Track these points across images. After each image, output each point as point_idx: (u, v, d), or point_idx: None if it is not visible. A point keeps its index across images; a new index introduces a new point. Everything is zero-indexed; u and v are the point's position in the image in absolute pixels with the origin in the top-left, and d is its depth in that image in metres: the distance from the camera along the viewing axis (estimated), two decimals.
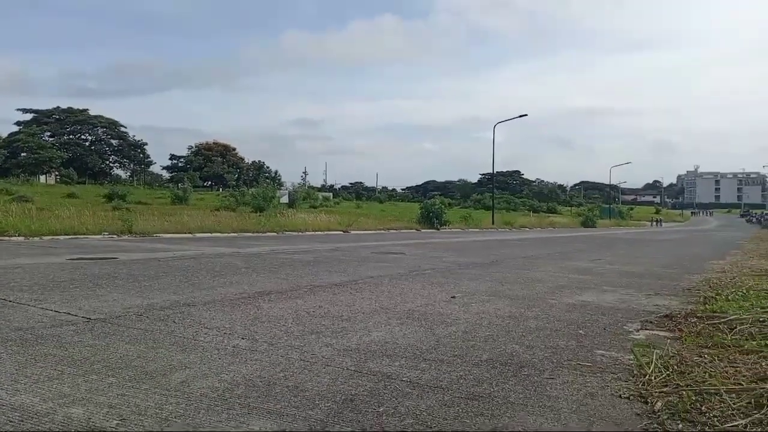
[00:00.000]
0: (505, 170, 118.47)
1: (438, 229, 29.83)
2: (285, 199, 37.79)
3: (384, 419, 2.51)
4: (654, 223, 76.06)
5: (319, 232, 22.61)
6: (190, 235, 17.35)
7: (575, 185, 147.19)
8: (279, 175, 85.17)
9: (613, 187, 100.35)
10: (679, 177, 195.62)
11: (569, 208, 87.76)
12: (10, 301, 5.05)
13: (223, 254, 10.83)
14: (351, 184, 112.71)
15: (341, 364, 3.37)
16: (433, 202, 33.67)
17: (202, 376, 3.03)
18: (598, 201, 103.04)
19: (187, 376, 3.02)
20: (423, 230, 28.49)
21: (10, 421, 2.34)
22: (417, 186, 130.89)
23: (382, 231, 26.08)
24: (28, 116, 69.04)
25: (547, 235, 30.47)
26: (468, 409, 2.68)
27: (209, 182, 78.90)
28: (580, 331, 4.55)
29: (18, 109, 69.50)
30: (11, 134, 63.17)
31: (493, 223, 39.74)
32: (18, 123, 67.33)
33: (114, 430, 2.29)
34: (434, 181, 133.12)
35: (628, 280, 8.43)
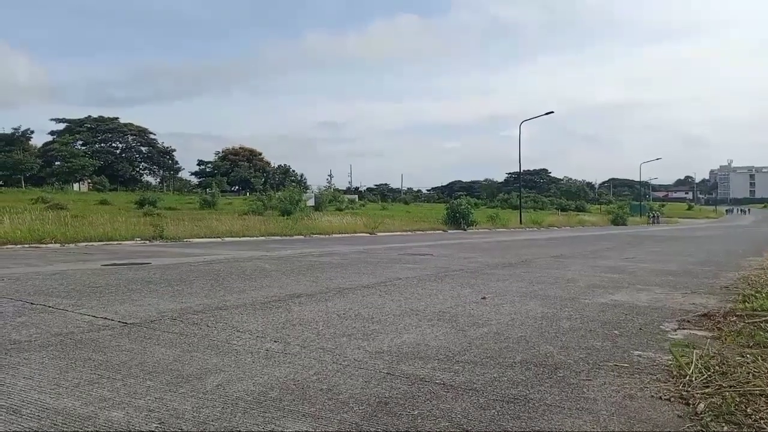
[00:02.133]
0: (531, 168, 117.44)
1: (465, 230, 29.65)
2: (311, 203, 37.99)
3: (419, 422, 2.50)
4: (651, 219, 61.73)
5: (346, 235, 22.69)
6: (219, 240, 17.59)
7: (604, 182, 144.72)
8: (305, 179, 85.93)
9: (644, 184, 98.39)
10: (711, 172, 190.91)
11: (598, 206, 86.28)
12: (49, 307, 5.18)
13: (252, 258, 10.95)
14: (376, 185, 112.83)
15: (374, 366, 3.37)
16: (460, 202, 33.47)
17: (237, 380, 3.06)
18: (628, 198, 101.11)
19: (223, 380, 3.05)
20: (449, 231, 28.35)
21: (55, 425, 2.39)
22: (442, 186, 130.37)
23: (409, 232, 26.04)
24: (62, 126, 70.95)
25: (576, 233, 30.04)
26: (504, 411, 2.64)
27: (236, 187, 79.95)
28: (615, 332, 4.46)
29: (52, 119, 71.51)
30: (45, 143, 65.07)
31: (521, 222, 39.35)
32: (52, 132, 69.28)
33: None
34: (460, 181, 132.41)
35: (663, 279, 8.25)
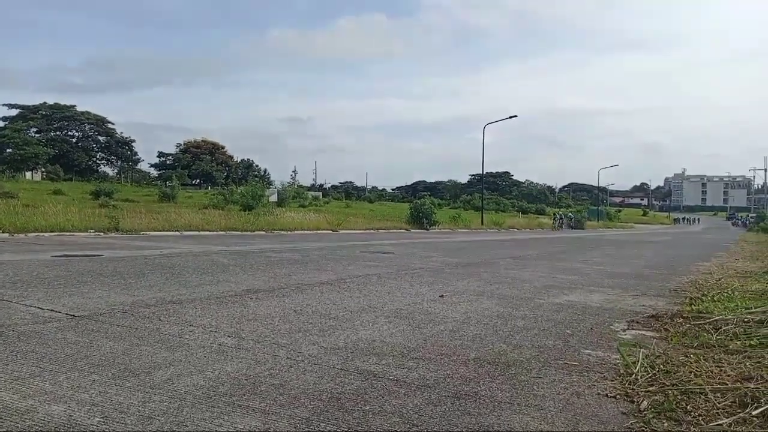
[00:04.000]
0: (494, 171, 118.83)
1: (428, 230, 29.84)
2: (274, 198, 37.56)
3: (370, 418, 2.50)
4: (558, 223, 46.17)
5: (308, 232, 22.53)
6: (177, 233, 17.21)
7: (564, 187, 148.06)
8: (268, 174, 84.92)
9: (602, 189, 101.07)
10: (666, 179, 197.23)
11: (558, 210, 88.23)
12: None
13: (210, 252, 10.76)
14: (341, 183, 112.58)
15: (328, 362, 3.35)
16: (423, 202, 33.67)
17: (187, 374, 2.99)
18: (587, 203, 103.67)
19: (172, 374, 2.98)
20: (413, 230, 28.48)
21: None
22: (407, 186, 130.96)
23: (372, 231, 26.05)
24: (14, 112, 68.25)
25: (536, 236, 30.60)
26: (454, 407, 2.67)
27: (198, 180, 78.39)
28: (567, 331, 4.56)
29: (3, 104, 68.64)
30: None
31: (482, 223, 39.83)
32: (3, 118, 66.55)
33: (95, 428, 2.26)
34: (424, 181, 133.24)
35: (615, 281, 8.48)
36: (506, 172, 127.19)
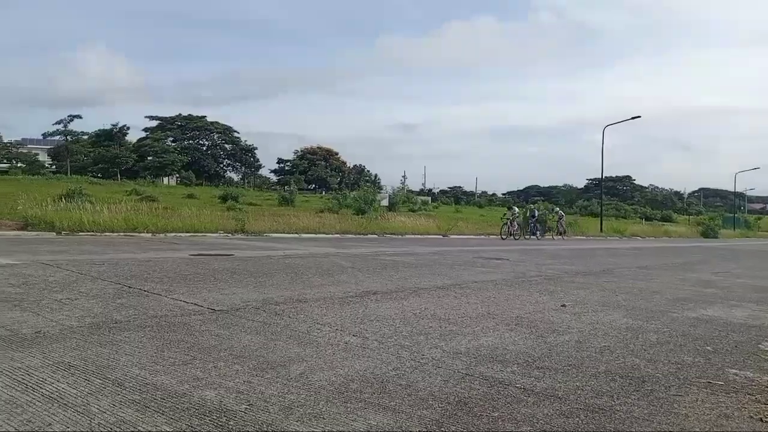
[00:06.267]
0: (614, 175, 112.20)
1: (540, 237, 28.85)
2: (385, 203, 38.31)
3: (499, 424, 2.47)
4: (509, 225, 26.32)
5: (419, 236, 22.72)
6: (296, 235, 18.11)
7: (694, 192, 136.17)
8: (379, 179, 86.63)
9: (739, 195, 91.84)
10: None
11: (687, 217, 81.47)
12: (144, 291, 5.54)
13: (329, 254, 11.20)
14: (450, 188, 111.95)
15: (452, 366, 3.36)
16: (537, 206, 32.68)
17: (318, 369, 3.15)
18: (721, 210, 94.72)
19: (305, 369, 3.15)
20: (525, 236, 27.71)
21: (154, 399, 2.56)
22: (518, 191, 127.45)
23: (482, 236, 25.70)
24: (154, 123, 75.47)
25: (661, 244, 28.53)
26: (589, 421, 2.57)
27: (313, 185, 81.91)
28: (708, 347, 4.21)
29: (146, 117, 76.11)
30: (140, 139, 69.32)
31: (601, 230, 37.83)
32: (145, 129, 73.77)
33: (244, 414, 2.44)
34: (537, 186, 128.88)
35: (762, 296, 7.68)
36: (627, 176, 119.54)
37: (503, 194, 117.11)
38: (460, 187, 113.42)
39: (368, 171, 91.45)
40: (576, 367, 3.49)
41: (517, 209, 27.85)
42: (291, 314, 4.69)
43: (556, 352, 3.85)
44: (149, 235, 15.01)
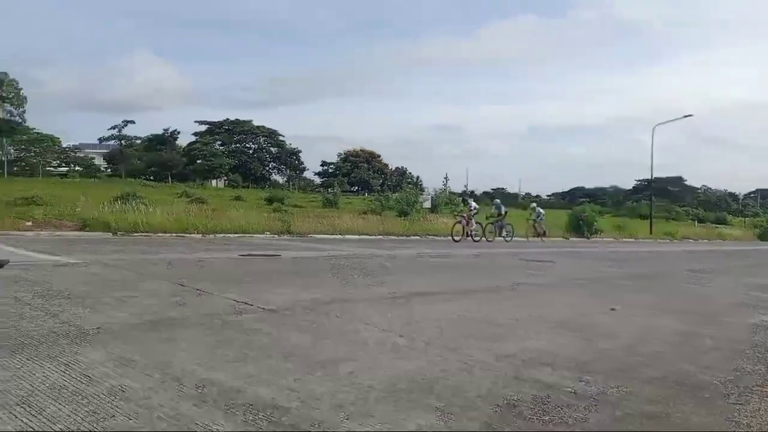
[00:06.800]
0: (664, 176, 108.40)
1: (588, 238, 28.26)
2: (427, 204, 38.19)
3: (551, 428, 2.46)
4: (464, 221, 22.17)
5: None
6: (340, 236, 18.31)
7: (750, 193, 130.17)
8: (420, 180, 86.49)
9: None
10: None
11: (742, 219, 78.05)
12: (197, 290, 5.73)
13: (373, 255, 11.28)
14: (492, 189, 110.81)
15: (500, 369, 3.35)
16: (583, 209, 32.04)
17: (367, 369, 3.19)
18: None
19: (355, 368, 3.20)
20: (571, 239, 27.15)
21: (211, 394, 2.66)
22: (563, 192, 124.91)
23: (522, 239, 25.29)
24: (203, 127, 77.64)
25: (715, 248, 27.46)
26: (645, 428, 2.52)
27: (356, 187, 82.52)
28: None
29: (195, 121, 78.38)
30: (189, 143, 71.55)
31: (651, 233, 36.71)
32: (195, 133, 76.00)
33: (296, 411, 2.51)
34: (583, 187, 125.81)
35: None
36: (678, 176, 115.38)
37: (548, 196, 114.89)
38: (502, 188, 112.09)
39: (410, 173, 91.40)
40: (626, 372, 3.42)
41: (475, 204, 22.50)
42: (338, 314, 4.76)
43: (606, 357, 3.78)
44: (199, 235, 15.46)
